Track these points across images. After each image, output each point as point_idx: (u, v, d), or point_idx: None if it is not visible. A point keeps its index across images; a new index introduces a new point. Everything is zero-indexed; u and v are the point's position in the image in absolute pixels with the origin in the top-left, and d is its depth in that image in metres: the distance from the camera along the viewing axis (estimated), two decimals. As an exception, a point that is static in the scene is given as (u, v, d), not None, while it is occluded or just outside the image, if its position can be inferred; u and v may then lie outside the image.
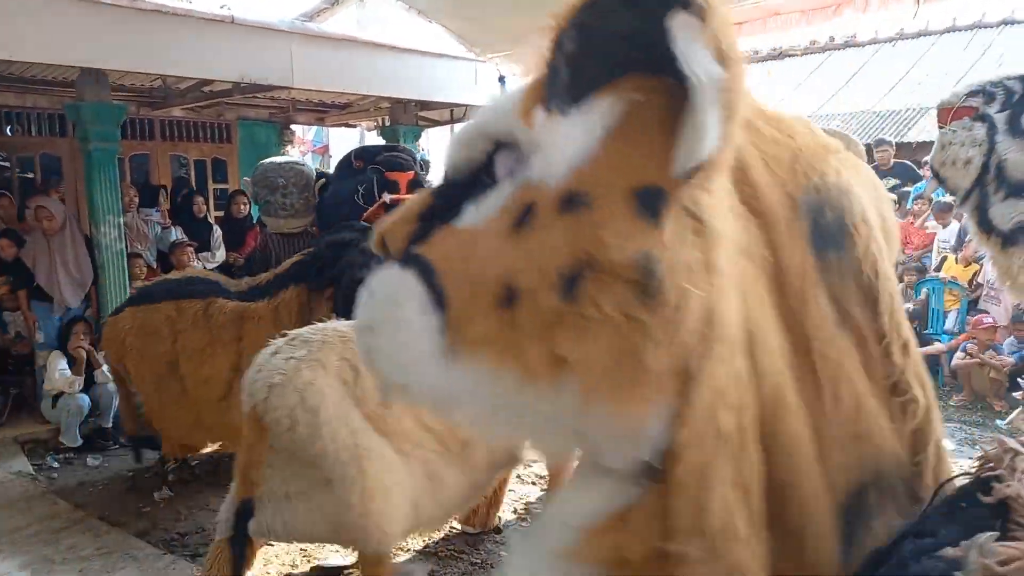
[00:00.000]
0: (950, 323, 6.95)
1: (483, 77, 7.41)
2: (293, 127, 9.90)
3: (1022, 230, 2.49)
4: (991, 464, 1.02)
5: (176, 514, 4.32)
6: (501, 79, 6.86)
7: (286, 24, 6.34)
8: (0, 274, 5.74)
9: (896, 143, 9.51)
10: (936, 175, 2.83)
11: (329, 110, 9.17)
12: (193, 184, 8.42)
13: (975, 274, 6.88)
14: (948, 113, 2.76)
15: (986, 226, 2.60)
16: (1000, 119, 2.59)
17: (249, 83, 6.30)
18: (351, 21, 8.53)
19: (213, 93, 7.31)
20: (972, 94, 2.70)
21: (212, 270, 6.71)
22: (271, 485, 2.88)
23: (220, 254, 6.87)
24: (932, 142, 8.92)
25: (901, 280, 7.46)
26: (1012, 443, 1.03)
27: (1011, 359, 6.04)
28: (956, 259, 7.06)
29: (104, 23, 5.17)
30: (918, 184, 8.42)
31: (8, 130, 7.56)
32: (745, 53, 0.97)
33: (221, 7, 6.01)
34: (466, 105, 8.12)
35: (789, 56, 15.16)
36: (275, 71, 6.19)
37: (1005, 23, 12.34)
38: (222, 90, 7.13)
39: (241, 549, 3.00)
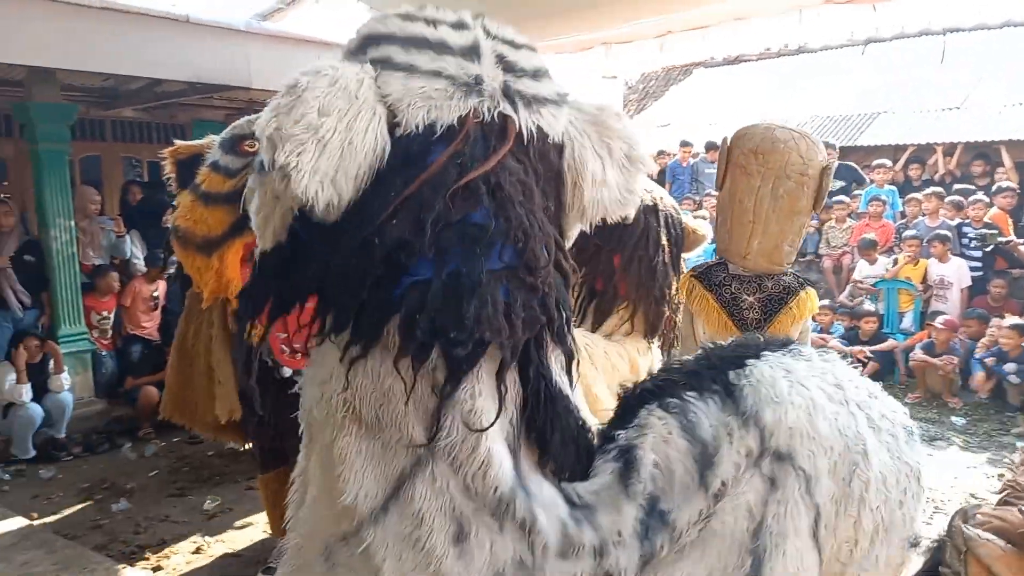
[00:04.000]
0: (906, 322, 7.14)
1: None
2: (250, 129, 9.70)
3: None
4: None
5: (135, 526, 4.19)
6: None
7: (243, 24, 6.22)
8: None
9: (846, 147, 9.78)
10: None
11: (287, 112, 9.01)
12: (149, 186, 8.19)
13: (925, 272, 7.11)
14: None
15: None
16: None
17: (203, 84, 6.16)
18: (308, 20, 8.42)
19: (166, 93, 7.12)
20: None
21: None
22: None
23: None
24: (884, 146, 9.16)
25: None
26: None
27: (956, 358, 6.24)
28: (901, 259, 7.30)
29: (54, 21, 5.00)
30: (869, 188, 8.67)
31: (-50, 131, 7.28)
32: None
33: (173, 5, 5.83)
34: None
35: (744, 61, 15.45)
36: (231, 72, 6.06)
37: (947, 31, 12.76)
38: (176, 91, 6.95)
39: None
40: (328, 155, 1.31)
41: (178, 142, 3.34)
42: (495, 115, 1.45)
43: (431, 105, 1.40)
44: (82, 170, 7.98)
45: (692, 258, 3.56)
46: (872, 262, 7.50)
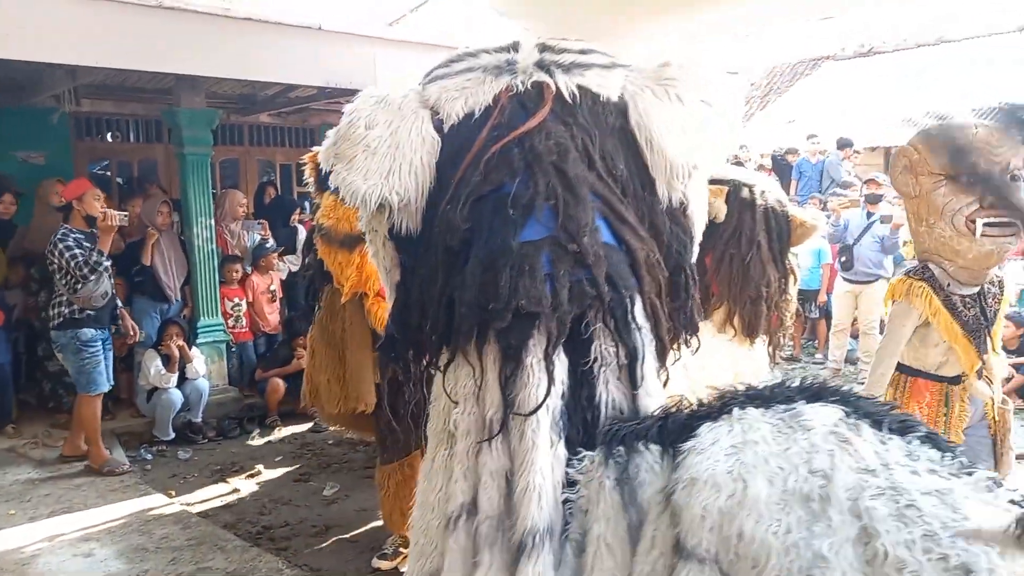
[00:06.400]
0: None
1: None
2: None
3: None
4: None
5: (261, 508, 4.43)
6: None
7: (370, 29, 6.44)
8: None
9: None
10: None
11: (410, 115, 9.27)
12: (279, 188, 8.64)
13: None
14: None
15: None
16: None
17: (333, 88, 6.43)
18: (431, 24, 8.61)
19: (298, 98, 7.50)
20: None
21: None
22: None
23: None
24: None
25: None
26: None
27: None
28: None
29: (199, 32, 5.35)
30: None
31: (109, 136, 7.95)
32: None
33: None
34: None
35: (878, 53, 14.59)
36: (359, 76, 6.29)
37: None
38: (307, 95, 7.30)
39: None
40: (378, 159, 1.39)
41: (316, 148, 3.53)
42: (529, 84, 1.44)
43: (467, 95, 1.45)
44: (221, 173, 8.52)
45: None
46: None
